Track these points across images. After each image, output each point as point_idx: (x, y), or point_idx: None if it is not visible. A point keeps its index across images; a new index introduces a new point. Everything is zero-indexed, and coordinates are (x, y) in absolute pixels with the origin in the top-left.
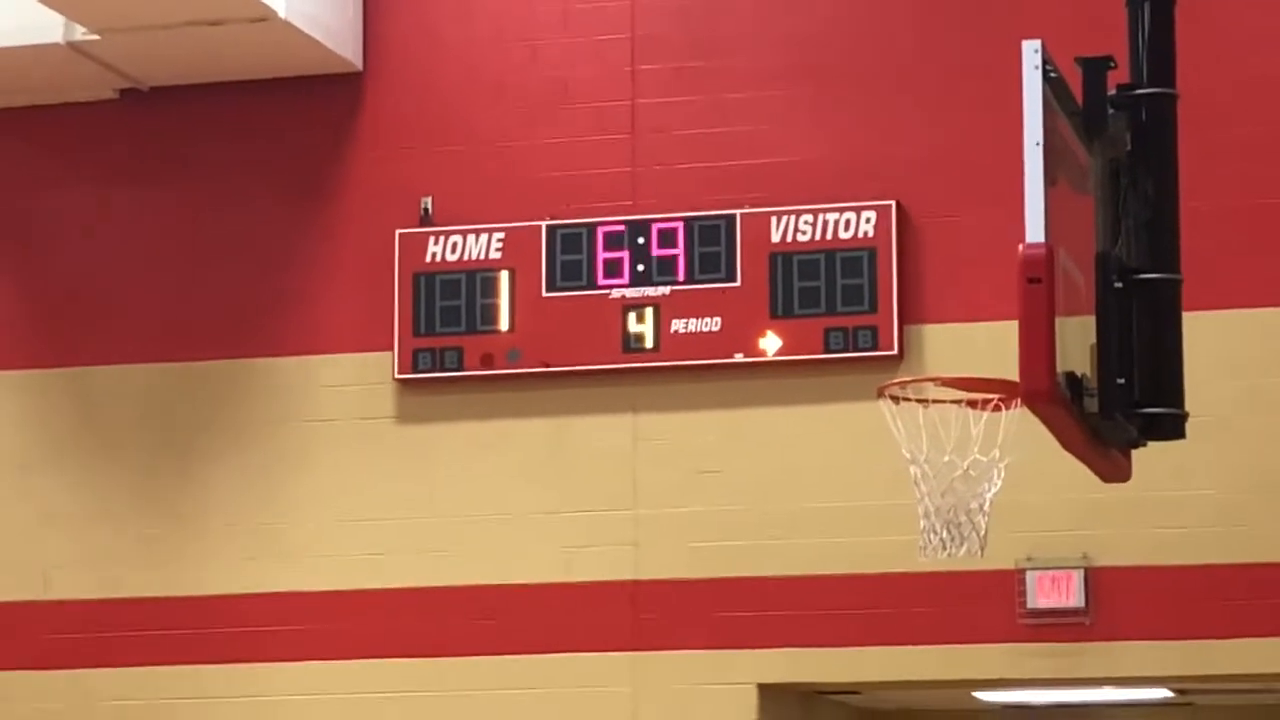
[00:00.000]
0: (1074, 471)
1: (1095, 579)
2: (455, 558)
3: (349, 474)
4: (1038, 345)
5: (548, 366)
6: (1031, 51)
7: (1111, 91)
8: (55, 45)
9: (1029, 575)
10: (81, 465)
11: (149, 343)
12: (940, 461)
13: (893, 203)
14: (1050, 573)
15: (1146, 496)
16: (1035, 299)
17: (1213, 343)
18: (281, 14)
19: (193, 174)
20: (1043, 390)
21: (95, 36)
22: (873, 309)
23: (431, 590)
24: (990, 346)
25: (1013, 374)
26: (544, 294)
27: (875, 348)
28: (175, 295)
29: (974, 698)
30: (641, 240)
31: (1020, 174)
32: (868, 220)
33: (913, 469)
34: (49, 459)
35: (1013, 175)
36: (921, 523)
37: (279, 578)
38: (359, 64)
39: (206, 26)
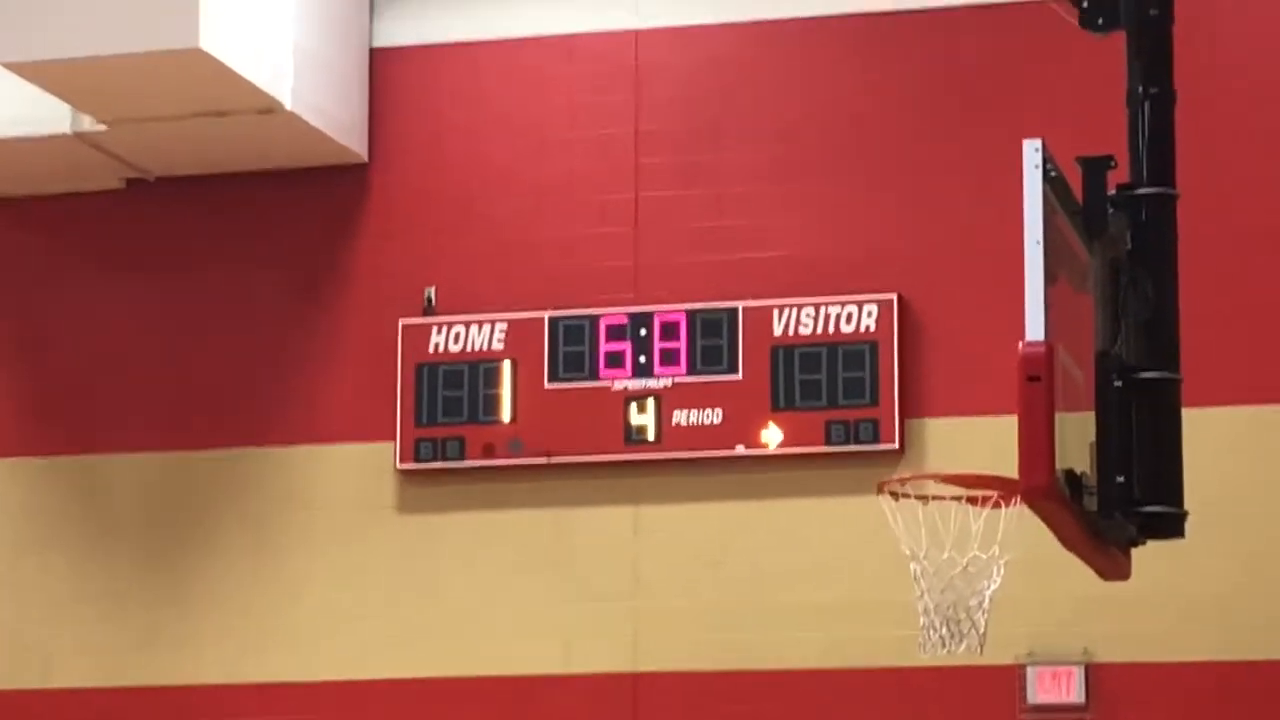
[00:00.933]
0: (1074, 566)
1: (1096, 675)
2: (456, 648)
3: (351, 563)
4: (1037, 443)
5: (549, 457)
6: (1032, 151)
7: (1112, 191)
8: (63, 135)
9: (1029, 671)
10: (84, 553)
11: (153, 431)
12: (940, 558)
13: (894, 296)
14: (1051, 668)
15: (1147, 592)
16: (1035, 397)
17: (1213, 438)
18: (288, 105)
19: (198, 263)
20: (1042, 488)
21: (102, 127)
22: (874, 402)
23: (433, 680)
24: (991, 441)
25: (1014, 468)
26: (546, 385)
27: (876, 441)
28: (180, 384)
29: None
30: (644, 332)
31: (1022, 269)
32: (869, 314)
33: (912, 565)
34: (52, 546)
35: (1014, 270)
36: (921, 619)
37: (280, 667)
38: (365, 155)
39: (213, 118)
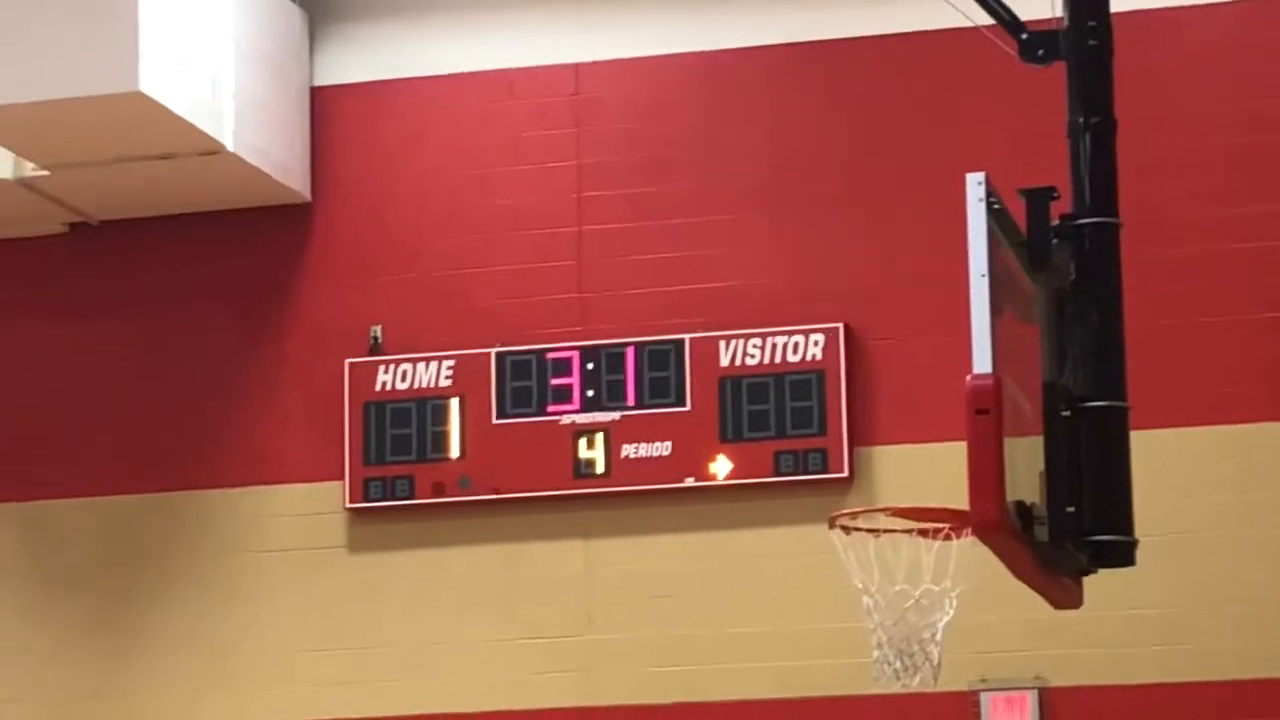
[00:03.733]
0: (1026, 592)
1: (1049, 699)
2: (407, 686)
3: (301, 604)
4: (987, 476)
5: (499, 493)
6: (975, 184)
7: (1055, 221)
8: (4, 181)
9: (983, 697)
10: (32, 599)
11: (100, 476)
12: (892, 591)
13: (840, 325)
14: (1005, 694)
15: (1099, 616)
16: (983, 430)
17: (1160, 461)
18: (230, 147)
19: (143, 307)
20: (992, 521)
21: (45, 172)
22: (822, 431)
23: None
24: (940, 468)
25: (963, 495)
26: (494, 421)
27: (825, 470)
28: (126, 428)
29: None
30: (591, 366)
31: (967, 297)
32: (816, 343)
33: (865, 599)
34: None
35: (960, 298)
36: (875, 652)
37: (231, 710)
38: (308, 195)
39: (155, 161)
